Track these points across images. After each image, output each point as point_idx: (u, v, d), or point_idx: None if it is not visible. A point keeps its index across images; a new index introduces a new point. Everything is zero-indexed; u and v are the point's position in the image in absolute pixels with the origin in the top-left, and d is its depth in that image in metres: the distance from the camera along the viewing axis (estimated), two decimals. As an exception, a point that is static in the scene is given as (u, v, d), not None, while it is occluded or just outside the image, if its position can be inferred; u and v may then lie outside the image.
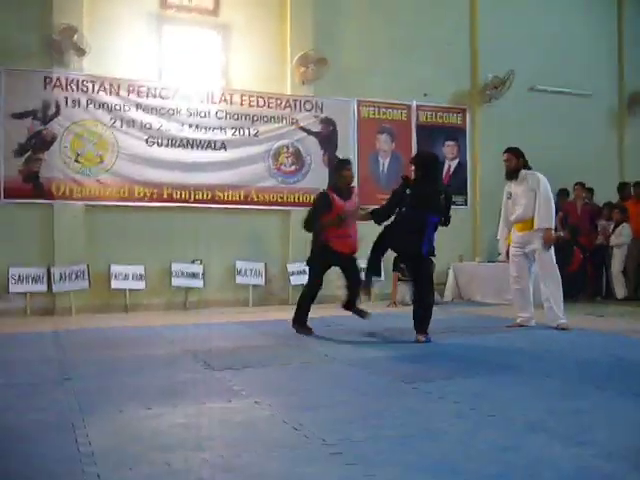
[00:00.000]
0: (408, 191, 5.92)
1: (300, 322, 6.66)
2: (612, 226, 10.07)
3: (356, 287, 6.71)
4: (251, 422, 3.27)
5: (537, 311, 7.03)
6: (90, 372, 4.63)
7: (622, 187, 10.94)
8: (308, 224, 6.66)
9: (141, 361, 5.08)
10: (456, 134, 11.15)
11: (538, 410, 3.44)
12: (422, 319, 5.93)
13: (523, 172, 6.86)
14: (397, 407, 3.55)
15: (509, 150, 7.03)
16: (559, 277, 6.86)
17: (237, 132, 9.61)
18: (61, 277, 8.76)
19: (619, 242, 9.94)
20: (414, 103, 10.80)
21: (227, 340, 6.18)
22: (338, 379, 4.40)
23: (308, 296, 6.73)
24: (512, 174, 6.92)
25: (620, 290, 9.91)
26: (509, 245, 7.13)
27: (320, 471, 2.56)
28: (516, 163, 6.87)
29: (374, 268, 6.41)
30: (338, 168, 6.86)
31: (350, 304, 6.79)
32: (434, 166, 6.23)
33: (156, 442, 2.92)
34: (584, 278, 10.30)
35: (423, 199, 5.82)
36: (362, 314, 6.76)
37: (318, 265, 6.66)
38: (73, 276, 8.80)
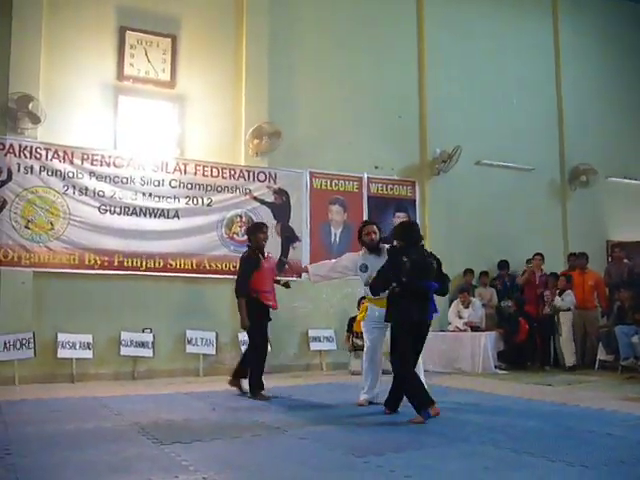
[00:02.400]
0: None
1: (259, 387, 6.96)
2: (557, 293, 10.33)
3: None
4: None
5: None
6: (32, 447, 4.48)
7: (570, 257, 11.32)
8: (241, 288, 7.10)
9: (86, 435, 4.95)
10: (406, 206, 11.42)
11: (487, 483, 3.48)
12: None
13: (381, 245, 6.59)
14: (347, 482, 3.55)
15: (374, 223, 6.76)
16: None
17: (190, 201, 9.66)
18: (5, 346, 8.53)
19: (562, 305, 10.18)
20: (365, 175, 11.07)
21: (176, 412, 6.06)
22: (289, 453, 4.36)
23: (261, 358, 7.10)
24: (376, 248, 6.53)
25: (570, 358, 10.10)
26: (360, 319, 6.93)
27: None
28: (379, 237, 6.61)
29: None
30: (255, 230, 7.45)
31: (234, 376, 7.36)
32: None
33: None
34: (532, 347, 10.51)
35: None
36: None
37: (259, 322, 7.09)
38: (18, 344, 8.58)
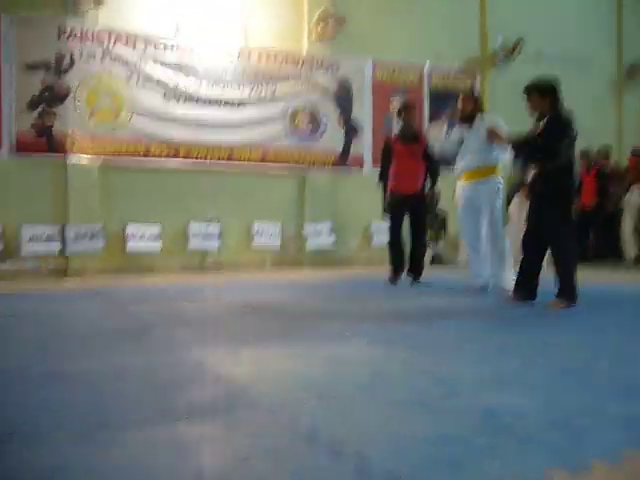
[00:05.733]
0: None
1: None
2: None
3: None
4: (383, 368, 3.10)
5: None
6: (170, 322, 4.30)
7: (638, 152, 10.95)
8: (381, 173, 6.76)
9: (214, 311, 4.82)
10: (465, 99, 11.08)
11: None
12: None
13: (479, 115, 5.98)
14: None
15: (467, 95, 6.21)
16: (504, 235, 6.08)
17: (254, 91, 9.37)
18: (76, 237, 8.46)
19: (634, 202, 9.98)
20: (427, 64, 10.70)
21: (283, 296, 5.89)
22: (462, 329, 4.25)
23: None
24: (469, 119, 5.99)
25: (632, 249, 10.02)
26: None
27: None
28: (473, 107, 6.01)
29: None
30: (401, 111, 6.82)
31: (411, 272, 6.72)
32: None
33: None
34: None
35: None
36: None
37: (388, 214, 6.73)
38: (88, 236, 8.51)
